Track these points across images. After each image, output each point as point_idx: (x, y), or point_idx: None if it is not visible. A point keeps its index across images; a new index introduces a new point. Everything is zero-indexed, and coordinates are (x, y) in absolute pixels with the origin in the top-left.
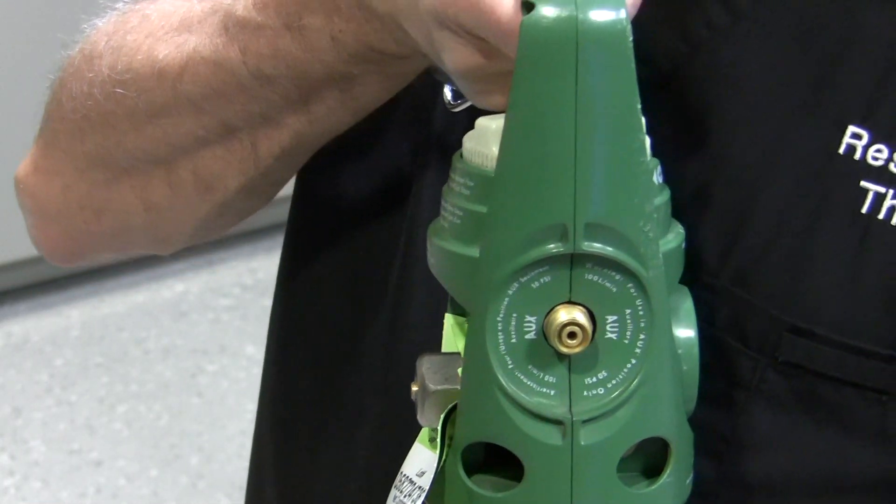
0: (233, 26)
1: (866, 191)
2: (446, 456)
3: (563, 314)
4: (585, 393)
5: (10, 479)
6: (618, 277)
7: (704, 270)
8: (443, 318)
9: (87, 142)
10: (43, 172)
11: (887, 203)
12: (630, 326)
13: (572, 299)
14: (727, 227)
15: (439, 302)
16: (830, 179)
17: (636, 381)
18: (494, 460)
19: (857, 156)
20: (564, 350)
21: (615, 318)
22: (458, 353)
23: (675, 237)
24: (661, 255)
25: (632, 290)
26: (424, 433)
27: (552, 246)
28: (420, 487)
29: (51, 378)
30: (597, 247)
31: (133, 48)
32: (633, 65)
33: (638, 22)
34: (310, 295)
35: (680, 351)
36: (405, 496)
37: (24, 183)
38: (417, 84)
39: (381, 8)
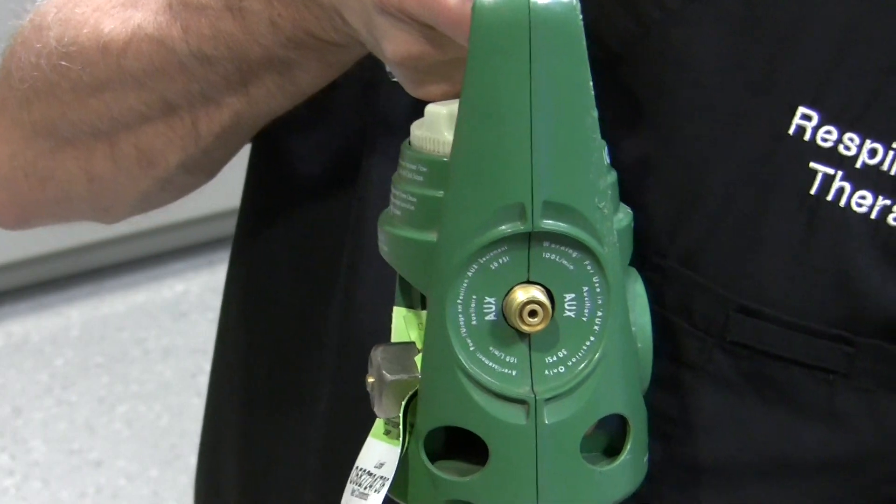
0: (176, 4)
1: (815, 172)
2: (408, 444)
3: (522, 294)
4: (547, 372)
5: (10, 479)
6: (575, 255)
7: (653, 251)
8: (394, 299)
9: (33, 111)
10: None
11: (836, 184)
12: (588, 304)
13: (530, 279)
14: (676, 208)
15: (390, 283)
16: (779, 160)
17: (595, 358)
18: (455, 449)
19: (807, 137)
20: (526, 329)
21: (573, 296)
22: (413, 343)
23: (625, 216)
24: (615, 233)
25: (588, 268)
26: (378, 427)
27: (511, 226)
28: (382, 478)
29: (51, 378)
30: (555, 224)
31: (80, 21)
32: (584, 44)
33: (589, 2)
34: (263, 274)
35: (634, 329)
36: (365, 488)
37: None
38: (364, 62)
39: None
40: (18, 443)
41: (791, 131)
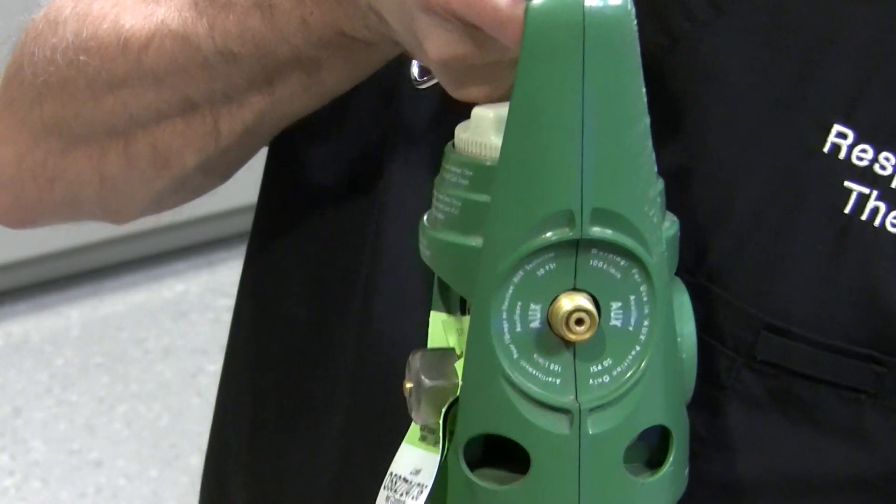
0: (202, 1)
1: (850, 191)
2: (447, 451)
3: (568, 302)
4: (591, 381)
5: (10, 479)
6: (622, 263)
7: (681, 267)
8: (414, 309)
9: (44, 108)
10: None
11: (870, 204)
12: (634, 313)
13: (577, 286)
14: (704, 224)
15: (408, 293)
16: (811, 177)
17: (640, 368)
18: (494, 458)
19: (842, 155)
20: (572, 337)
21: (619, 304)
22: (452, 349)
23: (671, 225)
24: (663, 241)
25: (636, 277)
26: (413, 432)
27: (558, 233)
28: (420, 485)
29: (51, 378)
30: (603, 232)
31: (99, 16)
32: (637, 49)
33: None
34: (276, 283)
35: (679, 339)
36: (401, 495)
37: None
38: (383, 68)
39: None
40: (18, 443)
41: (826, 149)
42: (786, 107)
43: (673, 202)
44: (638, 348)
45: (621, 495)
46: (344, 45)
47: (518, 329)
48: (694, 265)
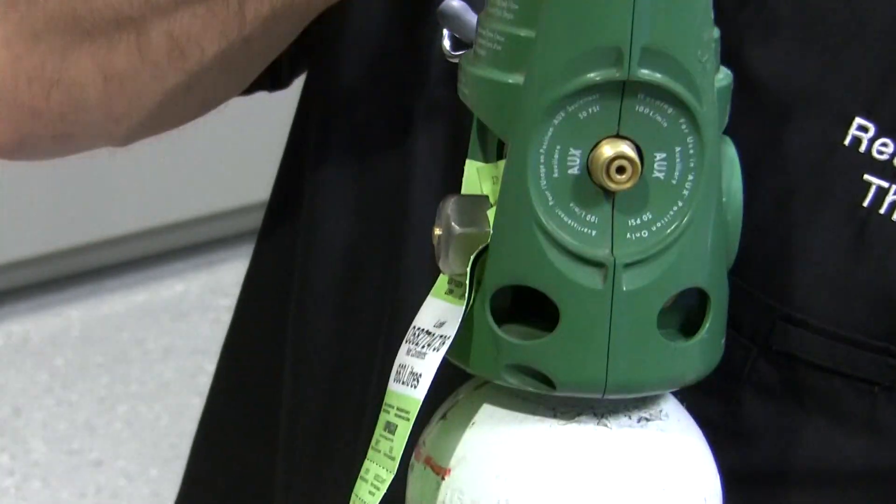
0: None
1: (869, 184)
2: (474, 301)
3: (610, 148)
4: (629, 235)
5: (10, 479)
6: (670, 111)
7: None
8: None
9: (49, 0)
10: None
11: (889, 198)
12: (679, 166)
13: (620, 133)
14: None
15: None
16: (832, 171)
17: (682, 224)
18: (522, 313)
19: (863, 148)
20: (611, 186)
21: (664, 155)
22: (486, 197)
23: (724, 77)
24: (715, 91)
25: (683, 127)
26: (440, 285)
27: (604, 72)
28: (442, 336)
29: (51, 378)
30: (652, 75)
31: None
32: None
33: None
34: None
35: (724, 199)
36: (423, 347)
37: None
38: (408, 52)
39: None
40: (18, 443)
41: (847, 142)
42: (809, 99)
43: None
44: (680, 203)
45: (653, 357)
46: None
47: (556, 174)
48: None
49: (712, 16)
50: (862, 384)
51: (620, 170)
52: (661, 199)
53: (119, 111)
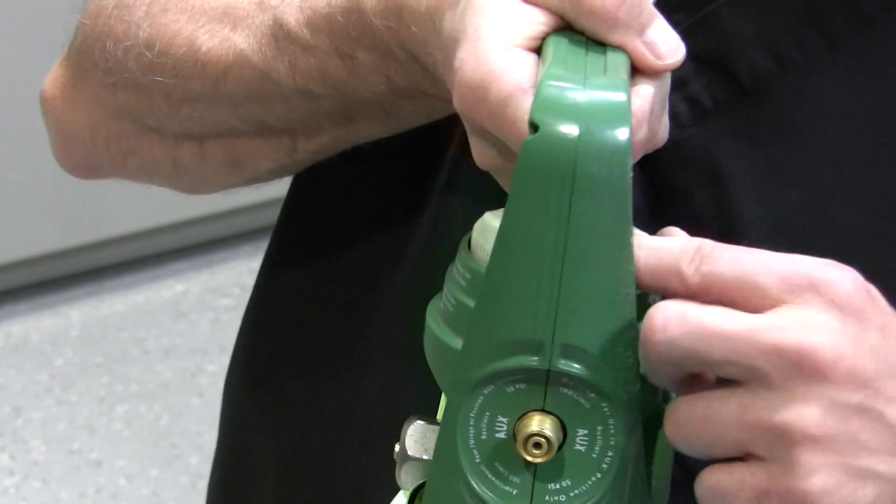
0: (283, 39)
1: None
2: None
3: (531, 423)
4: (547, 498)
5: (10, 479)
6: (592, 396)
7: None
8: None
9: (119, 97)
10: (71, 101)
11: None
12: (599, 442)
13: (545, 408)
14: (788, 247)
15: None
16: None
17: (598, 495)
18: None
19: None
20: (528, 458)
21: (586, 432)
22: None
23: None
24: (638, 381)
25: (605, 410)
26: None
27: (528, 359)
28: None
29: (51, 378)
30: (572, 367)
31: (173, 31)
32: (629, 195)
33: (719, 35)
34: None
35: (655, 484)
36: None
37: (51, 104)
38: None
39: (438, 72)
40: (18, 443)
41: None
42: (885, 147)
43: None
44: (598, 475)
45: None
46: (426, 97)
47: (483, 436)
48: None
49: (636, 315)
50: None
51: (537, 445)
52: (581, 469)
53: (187, 188)
